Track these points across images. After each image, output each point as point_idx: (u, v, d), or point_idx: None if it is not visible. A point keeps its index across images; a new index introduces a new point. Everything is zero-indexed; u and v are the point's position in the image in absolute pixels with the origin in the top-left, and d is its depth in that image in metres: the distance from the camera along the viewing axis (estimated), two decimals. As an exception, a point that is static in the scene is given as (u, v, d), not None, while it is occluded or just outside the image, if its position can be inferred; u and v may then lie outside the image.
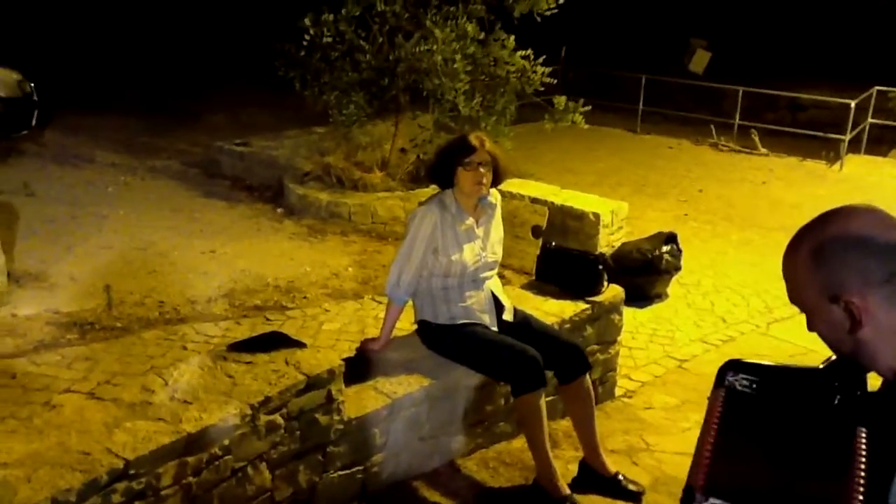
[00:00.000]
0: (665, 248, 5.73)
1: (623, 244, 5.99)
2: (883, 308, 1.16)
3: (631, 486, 3.24)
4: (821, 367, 1.31)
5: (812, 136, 11.55)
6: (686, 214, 8.21)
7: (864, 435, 1.16)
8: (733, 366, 1.31)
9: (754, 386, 1.28)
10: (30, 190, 6.86)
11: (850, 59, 14.29)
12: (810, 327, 1.28)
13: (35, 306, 4.60)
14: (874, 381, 1.25)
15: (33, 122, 8.28)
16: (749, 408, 1.26)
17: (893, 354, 1.18)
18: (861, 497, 1.08)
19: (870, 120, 11.87)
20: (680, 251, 5.85)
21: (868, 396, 1.22)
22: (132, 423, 2.38)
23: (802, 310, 1.27)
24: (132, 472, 2.23)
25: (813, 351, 1.36)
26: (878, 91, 11.99)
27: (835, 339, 1.23)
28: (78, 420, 2.41)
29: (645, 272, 5.63)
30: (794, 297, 1.27)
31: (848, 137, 10.91)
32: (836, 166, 10.88)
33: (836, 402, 1.20)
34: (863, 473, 1.11)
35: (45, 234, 5.86)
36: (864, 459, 1.13)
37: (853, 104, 10.85)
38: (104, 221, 6.32)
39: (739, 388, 1.28)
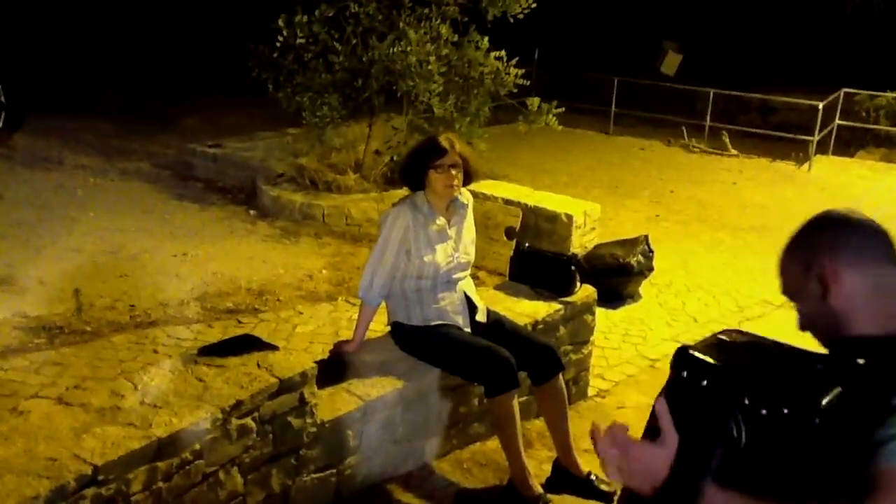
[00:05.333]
0: (637, 250, 5.78)
1: (596, 247, 6.03)
2: (849, 273, 1.31)
3: (603, 487, 3.27)
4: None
5: (781, 137, 11.71)
6: (658, 215, 8.29)
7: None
8: (726, 331, 1.44)
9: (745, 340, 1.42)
10: (-3, 193, 6.75)
11: (818, 62, 14.52)
12: (800, 323, 1.40)
13: (2, 311, 4.52)
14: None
15: (0, 124, 8.15)
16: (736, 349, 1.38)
17: (864, 321, 1.30)
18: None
19: (837, 122, 12.06)
20: (652, 252, 5.90)
21: (848, 365, 1.29)
22: (101, 429, 2.35)
23: (791, 297, 1.41)
24: (101, 478, 2.21)
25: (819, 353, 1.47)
26: (846, 93, 12.18)
27: (816, 315, 1.36)
28: (46, 426, 2.38)
29: (617, 274, 5.68)
30: (784, 285, 1.42)
31: (816, 139, 11.08)
32: (805, 167, 11.05)
33: (819, 367, 1.28)
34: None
35: (14, 237, 5.76)
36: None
37: (821, 106, 11.02)
38: (74, 224, 6.22)
39: (728, 339, 1.41)
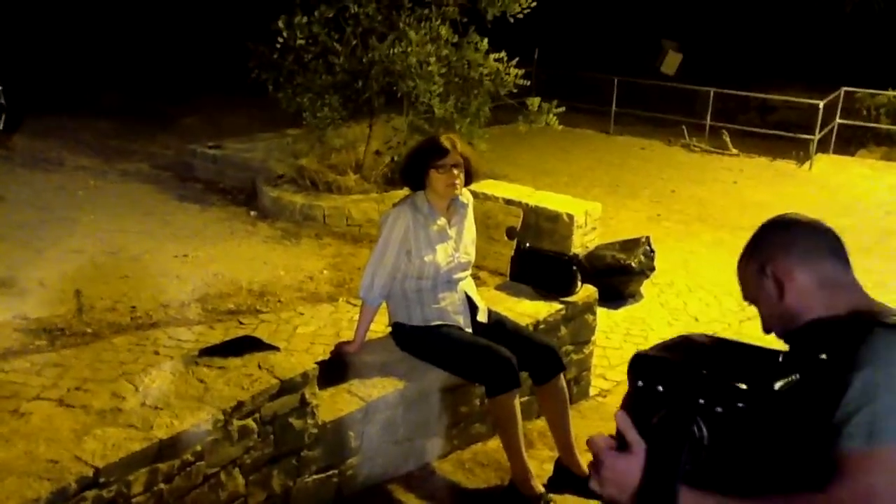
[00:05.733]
0: (639, 252, 5.77)
1: (597, 247, 6.02)
2: (800, 270, 1.41)
3: (605, 486, 3.26)
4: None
5: (782, 136, 11.70)
6: (659, 215, 8.29)
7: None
8: (690, 334, 1.50)
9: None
10: (-3, 195, 6.75)
11: (818, 61, 14.51)
12: (763, 325, 1.50)
13: (3, 312, 4.52)
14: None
15: (1, 126, 8.14)
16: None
17: (816, 314, 1.39)
18: None
19: (837, 120, 12.05)
20: (653, 252, 5.90)
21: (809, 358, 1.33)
22: (102, 431, 2.35)
23: (751, 302, 1.52)
24: (102, 480, 2.20)
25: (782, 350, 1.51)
26: (846, 92, 12.18)
27: (775, 316, 1.46)
28: (47, 428, 2.38)
29: (618, 273, 5.67)
30: (744, 290, 1.54)
31: (817, 137, 11.07)
32: (806, 166, 11.04)
33: (781, 359, 1.34)
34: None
35: (14, 239, 5.76)
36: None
37: (821, 105, 11.01)
38: (74, 226, 6.23)
39: (689, 340, 1.46)
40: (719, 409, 1.20)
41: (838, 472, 1.20)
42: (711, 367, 1.27)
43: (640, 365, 1.32)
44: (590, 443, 1.29)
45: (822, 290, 1.41)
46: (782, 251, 1.45)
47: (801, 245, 1.45)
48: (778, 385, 1.22)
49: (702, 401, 1.21)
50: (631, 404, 1.29)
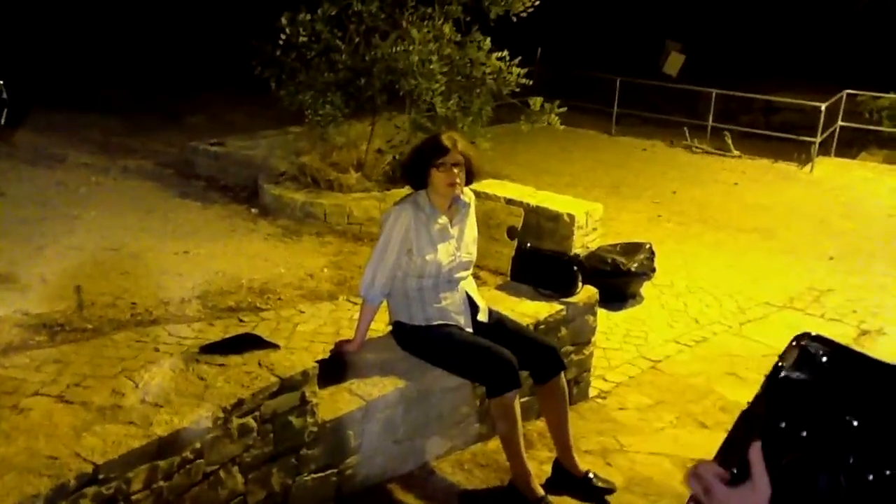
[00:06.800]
0: (638, 258, 5.77)
1: (598, 248, 6.01)
2: None
3: (601, 485, 3.26)
4: None
5: (784, 138, 11.68)
6: (660, 216, 8.28)
7: None
8: (807, 341, 1.26)
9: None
10: (-1, 190, 6.75)
11: (822, 63, 14.49)
12: None
13: (4, 308, 4.52)
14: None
15: (2, 122, 8.14)
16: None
17: None
18: None
19: (840, 123, 12.04)
20: (653, 254, 5.89)
21: None
22: (102, 427, 2.35)
23: None
24: (101, 476, 2.21)
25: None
26: (848, 94, 12.16)
27: None
28: (47, 424, 2.38)
29: (619, 275, 5.67)
30: None
31: (818, 140, 11.06)
32: (807, 168, 11.03)
33: None
34: None
35: (15, 234, 5.76)
36: None
37: (823, 107, 11.00)
38: (76, 222, 6.23)
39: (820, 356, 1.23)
40: (871, 477, 1.06)
41: None
42: (858, 411, 1.11)
43: (780, 395, 1.16)
44: (698, 468, 1.17)
45: None
46: None
47: None
48: None
49: (852, 460, 1.07)
50: (761, 432, 1.14)
